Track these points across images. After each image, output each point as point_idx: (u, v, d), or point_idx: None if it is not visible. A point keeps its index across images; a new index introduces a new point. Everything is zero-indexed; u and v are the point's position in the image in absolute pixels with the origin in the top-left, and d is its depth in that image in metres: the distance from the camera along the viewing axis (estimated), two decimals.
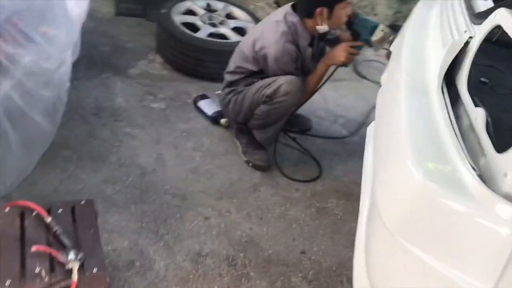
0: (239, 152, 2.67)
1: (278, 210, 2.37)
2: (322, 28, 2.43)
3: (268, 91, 2.41)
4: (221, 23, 3.49)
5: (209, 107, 2.94)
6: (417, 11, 2.06)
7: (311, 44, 2.51)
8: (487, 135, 0.99)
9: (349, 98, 3.41)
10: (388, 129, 1.20)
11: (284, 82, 2.37)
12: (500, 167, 0.89)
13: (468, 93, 1.17)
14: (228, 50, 3.19)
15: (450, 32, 1.39)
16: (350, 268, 1.57)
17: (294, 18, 2.44)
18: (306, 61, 2.52)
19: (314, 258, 2.15)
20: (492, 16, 1.18)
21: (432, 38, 1.55)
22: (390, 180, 1.01)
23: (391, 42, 2.36)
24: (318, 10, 2.36)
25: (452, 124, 1.06)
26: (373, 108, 2.42)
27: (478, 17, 1.28)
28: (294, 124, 2.90)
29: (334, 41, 2.70)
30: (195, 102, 3.00)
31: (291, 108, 2.48)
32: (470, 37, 1.25)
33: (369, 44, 2.49)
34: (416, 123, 1.09)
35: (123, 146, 2.56)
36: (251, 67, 2.54)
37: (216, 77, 3.26)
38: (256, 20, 3.57)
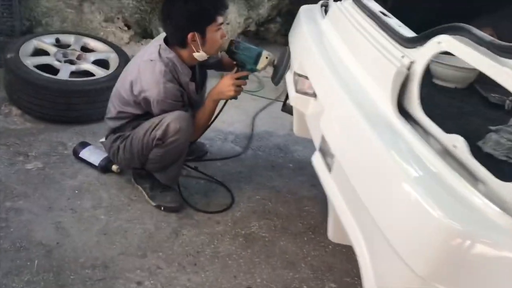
0: (146, 199, 2.47)
1: (208, 250, 2.24)
2: (200, 55, 2.28)
3: (158, 133, 2.22)
4: (79, 58, 3.17)
5: (94, 155, 2.66)
6: (305, 28, 2.06)
7: (193, 77, 2.39)
8: (478, 163, 1.03)
9: (231, 113, 3.36)
10: (372, 170, 1.18)
11: (171, 120, 2.20)
12: (509, 194, 0.94)
13: (429, 119, 1.21)
14: (97, 88, 2.94)
15: (382, 56, 1.41)
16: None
17: (170, 54, 2.27)
18: (192, 96, 2.40)
19: None
20: (434, 42, 1.22)
21: (357, 63, 1.56)
22: (408, 226, 0.99)
23: (273, 63, 2.35)
24: (189, 36, 2.20)
25: (438, 156, 1.08)
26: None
27: (412, 41, 1.32)
28: (190, 152, 2.75)
29: (217, 64, 2.63)
30: (75, 153, 2.68)
31: (186, 145, 2.33)
32: (411, 62, 1.29)
33: (254, 72, 2.39)
34: (408, 164, 1.08)
35: (11, 225, 2.18)
36: (134, 110, 2.34)
37: (89, 119, 2.99)
38: (116, 48, 3.33)
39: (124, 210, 2.39)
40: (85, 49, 3.29)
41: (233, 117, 3.38)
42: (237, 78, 2.32)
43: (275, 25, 4.44)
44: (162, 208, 2.42)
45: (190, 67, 2.34)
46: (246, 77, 2.35)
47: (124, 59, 3.22)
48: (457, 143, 1.11)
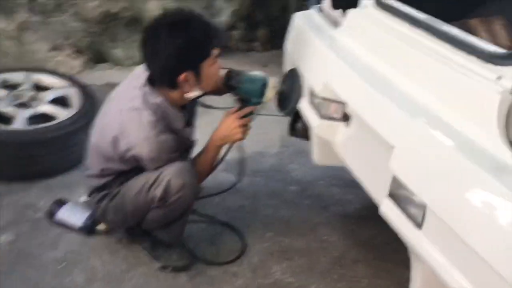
0: (147, 261, 2.10)
1: None
2: (193, 94, 1.91)
3: (158, 192, 1.86)
4: (34, 99, 2.72)
5: (74, 215, 2.25)
6: (320, 43, 1.76)
7: (187, 122, 2.06)
8: None
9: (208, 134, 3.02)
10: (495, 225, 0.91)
11: (172, 175, 1.85)
12: None
13: None
14: (62, 134, 2.54)
15: (467, 80, 1.13)
16: None
17: (157, 99, 1.89)
18: (186, 141, 2.07)
19: None
20: None
21: (414, 85, 1.27)
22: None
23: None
24: (182, 77, 1.82)
25: None
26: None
27: (506, 57, 1.06)
28: None
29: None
30: (50, 215, 2.27)
31: (193, 200, 1.98)
32: None
33: (259, 105, 2.01)
34: None
35: None
36: (120, 167, 1.98)
37: (56, 171, 2.57)
38: (74, 81, 2.90)
39: (125, 280, 2.02)
40: (38, 87, 2.84)
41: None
42: (242, 116, 1.97)
43: (237, 32, 4.13)
44: (170, 268, 2.07)
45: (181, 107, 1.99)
46: (251, 113, 1.99)
47: (86, 92, 2.81)
48: None
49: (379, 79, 1.45)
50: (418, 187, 1.15)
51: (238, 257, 2.18)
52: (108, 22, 3.55)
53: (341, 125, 1.69)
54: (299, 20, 2.06)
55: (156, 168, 1.88)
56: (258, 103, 1.97)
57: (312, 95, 1.74)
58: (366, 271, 2.17)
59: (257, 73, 1.98)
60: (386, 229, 2.39)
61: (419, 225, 1.17)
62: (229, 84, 1.95)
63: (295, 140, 2.34)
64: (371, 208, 2.59)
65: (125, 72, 3.91)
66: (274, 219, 2.46)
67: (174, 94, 1.90)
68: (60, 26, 3.44)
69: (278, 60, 4.35)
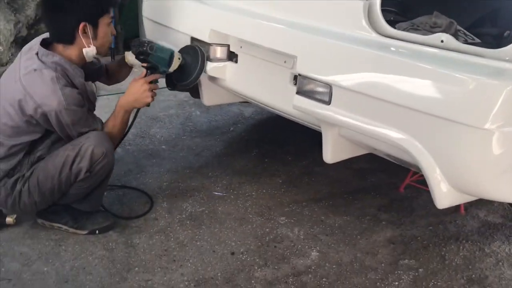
0: (71, 231, 2.21)
1: (173, 244, 2.22)
2: (90, 51, 2.05)
3: (83, 165, 2.00)
4: None
5: None
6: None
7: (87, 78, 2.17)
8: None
9: None
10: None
11: (93, 145, 2.00)
12: None
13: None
14: None
15: None
16: None
17: (54, 57, 2.01)
18: (90, 97, 2.18)
19: None
20: None
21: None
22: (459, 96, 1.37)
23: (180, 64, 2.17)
24: (81, 26, 2.00)
25: None
26: None
27: None
28: None
29: (98, 72, 2.41)
30: None
31: (113, 164, 2.17)
32: None
33: (164, 74, 2.17)
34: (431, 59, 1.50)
35: None
36: (31, 136, 2.05)
37: None
38: None
39: (61, 252, 2.11)
40: None
41: None
42: (150, 82, 2.13)
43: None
44: (97, 231, 2.23)
45: None
46: (156, 81, 2.16)
47: None
48: (443, 38, 1.54)
49: (261, 14, 1.93)
50: (324, 76, 1.69)
51: (151, 208, 2.44)
52: None
53: (229, 63, 2.13)
54: None
55: (71, 124, 1.99)
56: (165, 71, 2.14)
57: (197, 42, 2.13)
58: (252, 187, 2.68)
59: (164, 44, 2.20)
60: (251, 156, 2.98)
61: (327, 102, 1.71)
62: (141, 51, 2.07)
63: (144, 109, 2.41)
64: (233, 146, 3.14)
65: None
66: (162, 173, 2.77)
67: (71, 51, 2.05)
68: None
69: None
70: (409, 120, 1.53)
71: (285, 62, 1.86)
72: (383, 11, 2.34)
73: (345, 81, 1.66)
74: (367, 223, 2.43)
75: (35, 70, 1.97)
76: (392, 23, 1.83)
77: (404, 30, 1.92)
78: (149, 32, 2.49)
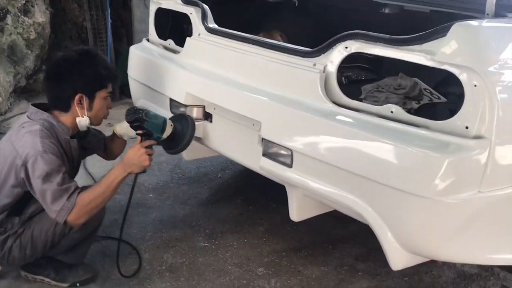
0: (53, 284, 2.29)
1: None
2: (83, 120, 2.15)
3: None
4: None
5: None
6: (174, 66, 2.31)
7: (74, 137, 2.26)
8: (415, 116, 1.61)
9: None
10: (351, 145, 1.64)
11: None
12: None
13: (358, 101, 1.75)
14: None
15: (294, 70, 1.82)
16: None
17: (43, 115, 2.12)
18: (74, 157, 2.26)
19: None
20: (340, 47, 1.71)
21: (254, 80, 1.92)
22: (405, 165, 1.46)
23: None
24: (77, 97, 2.10)
25: None
26: None
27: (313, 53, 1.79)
28: None
29: (97, 145, 2.52)
30: None
31: (103, 217, 2.29)
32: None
33: (158, 141, 2.18)
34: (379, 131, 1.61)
35: None
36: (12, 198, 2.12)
37: None
38: None
39: None
40: None
41: None
42: (146, 147, 2.13)
43: (43, 74, 4.25)
44: (78, 284, 2.31)
45: None
46: (151, 146, 2.16)
47: None
48: (393, 109, 1.64)
49: (231, 81, 2.06)
50: (286, 141, 1.80)
51: (138, 269, 2.46)
52: None
53: (205, 123, 2.24)
54: (139, 52, 2.54)
55: (43, 183, 1.97)
56: (158, 138, 2.16)
57: (176, 106, 2.26)
58: (234, 237, 2.75)
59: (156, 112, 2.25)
60: (236, 204, 3.06)
61: (289, 165, 1.81)
62: (137, 117, 2.10)
63: None
64: (217, 192, 3.23)
65: None
66: (147, 222, 2.86)
67: (66, 118, 2.16)
68: None
69: None
70: (360, 186, 1.62)
71: (253, 125, 1.97)
72: (356, 68, 2.45)
73: (303, 147, 1.76)
74: (344, 274, 2.48)
75: (23, 127, 2.10)
76: (363, 82, 1.94)
77: (367, 93, 2.02)
78: (134, 91, 2.63)
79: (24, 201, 2.13)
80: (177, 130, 2.21)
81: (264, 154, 1.90)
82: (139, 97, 2.59)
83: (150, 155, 2.13)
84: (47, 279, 2.30)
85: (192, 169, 3.52)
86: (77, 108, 2.14)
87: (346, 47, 1.72)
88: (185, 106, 2.22)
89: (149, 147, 2.14)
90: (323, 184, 1.72)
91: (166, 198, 3.13)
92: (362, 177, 1.59)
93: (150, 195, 3.16)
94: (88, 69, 2.13)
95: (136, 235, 2.72)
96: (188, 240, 2.70)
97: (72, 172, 2.26)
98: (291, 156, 1.79)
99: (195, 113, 2.23)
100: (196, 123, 2.23)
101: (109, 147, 2.55)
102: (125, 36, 4.87)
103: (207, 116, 2.25)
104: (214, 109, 2.18)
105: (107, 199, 2.11)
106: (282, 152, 1.83)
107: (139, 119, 2.10)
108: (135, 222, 2.85)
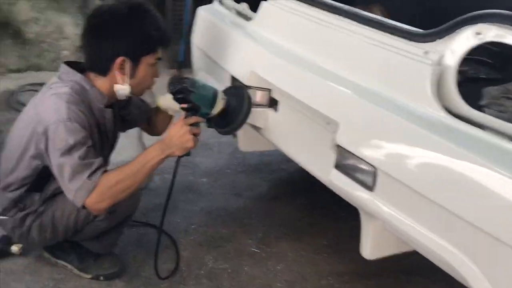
0: (75, 273, 2.00)
1: None
2: (123, 89, 1.77)
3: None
4: None
5: None
6: (240, 36, 1.83)
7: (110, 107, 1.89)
8: None
9: None
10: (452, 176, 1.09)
11: None
12: None
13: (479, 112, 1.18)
14: None
15: (397, 57, 1.30)
16: None
17: (75, 76, 1.76)
18: (108, 128, 1.89)
19: None
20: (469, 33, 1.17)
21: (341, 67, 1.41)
22: None
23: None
24: (118, 60, 1.71)
25: None
26: None
27: (428, 35, 1.25)
28: None
29: (140, 117, 2.15)
30: None
31: (137, 206, 1.96)
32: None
33: (206, 117, 1.80)
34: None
35: None
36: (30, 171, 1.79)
37: None
38: None
39: None
40: None
41: (121, 142, 2.94)
42: (192, 124, 1.73)
43: None
44: (102, 277, 2.00)
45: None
46: (198, 124, 1.76)
47: None
48: None
49: (306, 61, 1.58)
50: (369, 154, 1.31)
51: (175, 270, 2.11)
52: None
53: (268, 110, 1.79)
54: (207, 14, 2.11)
55: (63, 156, 1.63)
56: (207, 114, 1.78)
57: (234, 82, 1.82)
58: (290, 246, 2.32)
59: (206, 81, 1.87)
60: (298, 207, 2.62)
61: (370, 187, 1.33)
62: (180, 88, 1.70)
63: None
64: (279, 189, 2.79)
65: None
66: (194, 212, 2.50)
67: (102, 83, 1.78)
68: None
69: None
70: (469, 238, 1.11)
71: (327, 124, 1.49)
72: (474, 61, 1.89)
73: (393, 167, 1.26)
74: None
75: (50, 88, 1.76)
76: (482, 82, 1.41)
77: (491, 99, 1.48)
78: (196, 61, 2.21)
79: (45, 176, 1.79)
80: (230, 106, 1.79)
81: (337, 166, 1.43)
82: (200, 69, 2.18)
83: (195, 134, 1.72)
84: (69, 266, 2.01)
85: (255, 156, 3.09)
86: (117, 73, 1.76)
87: (478, 33, 1.18)
88: (248, 87, 1.77)
89: (195, 124, 1.74)
90: (414, 222, 1.22)
91: (219, 186, 2.75)
92: (475, 227, 1.09)
93: (203, 179, 2.79)
94: (135, 28, 1.73)
95: (179, 226, 2.37)
96: (236, 241, 2.31)
97: (104, 148, 1.91)
98: (374, 175, 1.30)
99: (259, 97, 1.77)
100: (258, 109, 1.79)
101: (153, 121, 2.17)
102: None
103: (272, 103, 1.79)
104: (282, 95, 1.72)
105: (137, 184, 1.72)
106: (362, 167, 1.35)
107: (184, 90, 1.70)
108: (180, 209, 2.50)
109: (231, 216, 2.49)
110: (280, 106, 1.75)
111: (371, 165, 1.30)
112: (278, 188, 2.81)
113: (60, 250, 2.02)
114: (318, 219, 2.54)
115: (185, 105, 1.74)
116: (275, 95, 1.76)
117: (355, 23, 1.50)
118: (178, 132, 1.69)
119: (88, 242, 1.98)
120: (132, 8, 1.74)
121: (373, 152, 1.30)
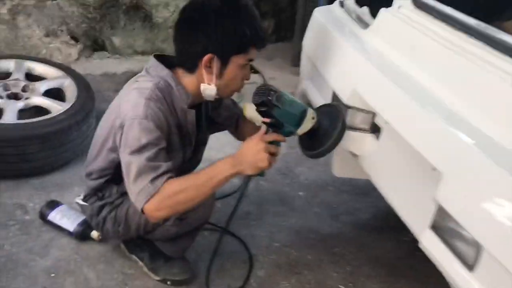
0: (145, 271, 1.94)
1: None
2: (209, 89, 1.64)
3: None
4: (25, 90, 2.53)
5: (67, 218, 2.09)
6: (351, 47, 1.58)
7: (195, 108, 1.75)
8: None
9: (217, 135, 2.83)
10: None
11: None
12: None
13: None
14: (56, 129, 2.36)
15: None
16: None
17: (163, 71, 1.66)
18: (191, 132, 1.77)
19: None
20: None
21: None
22: None
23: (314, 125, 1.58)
24: (206, 57, 1.58)
25: None
26: None
27: None
28: None
29: (228, 122, 2.02)
30: (43, 216, 2.11)
31: (209, 216, 1.85)
32: None
33: (290, 136, 1.59)
34: None
35: None
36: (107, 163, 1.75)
37: (48, 169, 2.41)
38: (70, 71, 2.72)
39: None
40: (30, 76, 2.65)
41: (220, 139, 2.85)
42: (271, 142, 1.54)
43: None
44: (169, 282, 1.91)
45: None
46: (278, 144, 1.56)
47: (83, 84, 2.62)
48: None
49: (420, 89, 1.28)
50: (473, 224, 0.99)
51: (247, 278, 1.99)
52: (108, 8, 3.34)
53: (369, 137, 1.51)
54: (321, 17, 1.87)
55: (134, 153, 1.53)
56: (291, 133, 1.57)
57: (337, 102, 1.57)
58: None
59: (296, 97, 1.63)
60: (400, 244, 2.29)
61: (470, 266, 1.01)
62: (265, 100, 1.50)
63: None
64: (384, 219, 2.47)
65: (123, 62, 3.75)
66: (282, 228, 2.31)
67: (189, 80, 1.67)
68: (56, 11, 3.23)
69: (284, 53, 4.21)
70: None
71: (433, 170, 1.18)
72: None
73: (507, 252, 0.92)
74: None
75: (136, 80, 1.68)
76: None
77: None
78: (303, 68, 2.00)
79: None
80: (321, 126, 1.57)
81: (433, 227, 1.12)
82: (306, 78, 1.96)
83: (273, 154, 1.52)
84: (140, 263, 1.96)
85: None
86: (204, 71, 1.62)
87: None
88: (348, 107, 1.51)
89: (274, 142, 1.53)
90: None
91: (316, 204, 2.51)
92: None
93: (300, 193, 2.58)
94: (227, 23, 1.57)
95: (261, 241, 2.20)
96: (320, 271, 2.07)
97: (182, 151, 1.77)
98: (477, 252, 0.98)
99: (359, 119, 1.50)
100: (357, 133, 1.52)
101: (240, 127, 2.01)
102: None
103: (375, 129, 1.51)
104: (386, 123, 1.43)
105: (200, 198, 1.56)
106: (464, 237, 1.03)
107: (268, 103, 1.48)
108: (267, 223, 2.32)
109: (322, 241, 2.25)
110: (383, 135, 1.46)
111: (476, 242, 0.98)
112: (383, 218, 2.48)
113: (135, 244, 1.97)
114: (420, 263, 2.17)
115: (267, 120, 1.54)
116: (379, 121, 1.48)
117: (497, 53, 1.15)
118: (253, 148, 1.51)
119: (161, 243, 1.91)
120: (226, 1, 1.59)
121: (480, 224, 0.98)
